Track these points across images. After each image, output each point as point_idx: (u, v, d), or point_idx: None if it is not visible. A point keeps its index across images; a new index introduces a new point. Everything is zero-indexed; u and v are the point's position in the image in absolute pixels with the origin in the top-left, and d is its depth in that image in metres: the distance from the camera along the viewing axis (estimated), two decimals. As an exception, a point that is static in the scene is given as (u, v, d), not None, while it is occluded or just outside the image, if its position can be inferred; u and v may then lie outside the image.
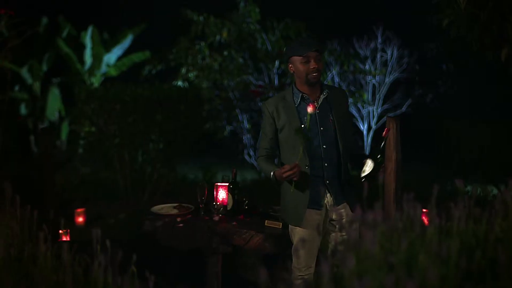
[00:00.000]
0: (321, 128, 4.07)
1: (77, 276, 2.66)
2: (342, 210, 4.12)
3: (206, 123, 10.53)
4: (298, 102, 4.11)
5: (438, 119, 10.58)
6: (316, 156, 4.08)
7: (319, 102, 4.10)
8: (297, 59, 4.04)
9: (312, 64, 3.99)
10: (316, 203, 4.10)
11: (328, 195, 4.10)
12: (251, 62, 10.88)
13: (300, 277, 4.10)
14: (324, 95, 4.10)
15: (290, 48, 4.12)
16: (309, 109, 3.87)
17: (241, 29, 10.74)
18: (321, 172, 4.09)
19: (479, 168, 8.31)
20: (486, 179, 8.50)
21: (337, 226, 4.10)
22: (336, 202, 4.10)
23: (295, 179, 3.91)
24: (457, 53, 11.52)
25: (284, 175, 3.89)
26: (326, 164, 4.07)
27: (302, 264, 4.09)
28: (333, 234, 4.14)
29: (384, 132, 4.08)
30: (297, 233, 4.14)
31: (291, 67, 4.12)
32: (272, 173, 4.04)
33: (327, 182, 4.09)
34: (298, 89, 4.14)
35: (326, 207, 4.12)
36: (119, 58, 15.07)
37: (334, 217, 4.13)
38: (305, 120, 4.01)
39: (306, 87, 4.10)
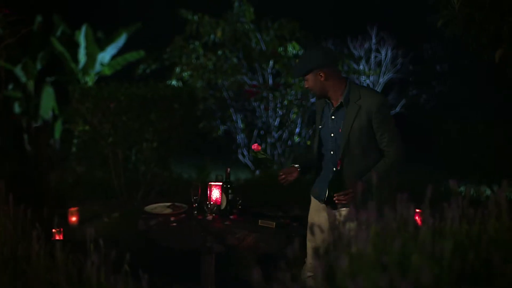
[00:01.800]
0: (331, 135, 4.18)
1: (71, 275, 2.66)
2: (340, 212, 4.15)
3: (200, 123, 10.52)
4: (326, 104, 4.27)
5: (432, 119, 10.60)
6: (326, 158, 4.26)
7: (335, 109, 4.16)
8: None
9: (305, 84, 4.21)
10: (318, 196, 4.36)
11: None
12: (245, 61, 10.88)
13: (307, 276, 4.18)
14: (338, 103, 4.13)
15: None
16: (253, 147, 4.37)
17: (236, 28, 10.73)
18: (329, 173, 4.21)
19: (473, 169, 8.31)
20: (479, 180, 8.50)
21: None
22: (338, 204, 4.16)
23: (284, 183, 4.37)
24: (452, 53, 11.56)
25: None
26: (334, 169, 4.17)
27: (309, 260, 4.27)
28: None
29: (337, 165, 4.07)
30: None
31: None
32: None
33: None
34: None
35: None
36: (113, 57, 15.03)
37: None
38: (324, 122, 4.26)
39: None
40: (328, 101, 4.20)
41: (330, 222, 2.49)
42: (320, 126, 4.27)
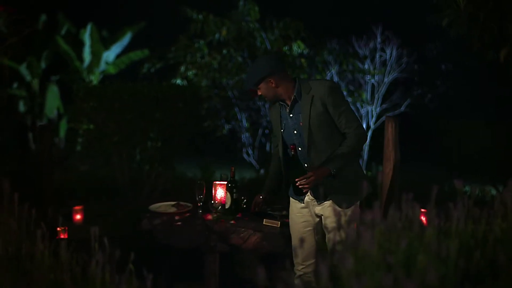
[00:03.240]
0: (294, 132, 4.21)
1: (75, 274, 2.65)
2: (323, 207, 4.16)
3: (204, 122, 10.52)
4: (281, 108, 4.31)
5: (437, 119, 10.59)
6: (295, 157, 4.22)
7: (290, 107, 4.20)
8: None
9: (257, 94, 4.28)
10: (298, 196, 4.32)
11: (309, 192, 4.23)
12: (250, 60, 10.88)
13: (296, 275, 4.19)
14: (291, 100, 4.19)
15: None
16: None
17: (240, 27, 10.74)
18: (302, 171, 4.16)
19: (477, 169, 8.30)
20: (484, 180, 8.49)
21: (333, 225, 4.11)
22: (318, 199, 4.16)
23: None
24: (456, 53, 11.52)
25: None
26: (306, 165, 4.20)
27: (297, 259, 4.25)
28: (331, 234, 4.13)
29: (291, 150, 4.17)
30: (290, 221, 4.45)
31: None
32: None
33: None
34: None
35: (308, 202, 4.29)
36: (118, 56, 15.07)
37: (317, 212, 4.19)
38: (284, 124, 4.29)
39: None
40: (282, 103, 4.25)
41: (336, 221, 2.48)
42: (282, 130, 4.30)
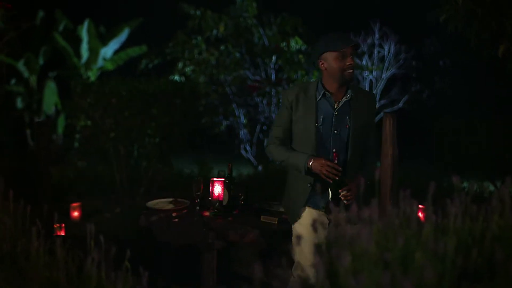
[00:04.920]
0: (335, 131, 3.89)
1: (70, 272, 2.64)
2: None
3: (202, 118, 10.50)
4: (319, 98, 3.92)
5: (434, 115, 10.59)
6: (324, 158, 3.83)
7: (340, 104, 3.89)
8: (331, 54, 3.85)
9: (349, 61, 3.82)
10: (316, 203, 4.00)
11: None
12: (248, 57, 10.88)
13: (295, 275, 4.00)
14: (347, 98, 3.90)
15: (325, 43, 3.94)
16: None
17: (238, 23, 10.73)
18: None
19: (475, 165, 8.29)
20: (482, 176, 8.48)
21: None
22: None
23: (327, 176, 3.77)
24: (454, 50, 11.53)
25: (325, 170, 3.76)
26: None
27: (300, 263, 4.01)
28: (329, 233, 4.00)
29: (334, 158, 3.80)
30: (295, 229, 4.08)
31: (322, 63, 3.91)
32: (309, 161, 3.83)
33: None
34: (323, 86, 3.95)
35: (326, 210, 3.97)
36: (116, 52, 15.05)
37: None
38: (321, 119, 3.88)
39: (335, 86, 3.90)
40: (328, 94, 3.90)
41: (333, 219, 2.45)
42: (316, 124, 3.89)
